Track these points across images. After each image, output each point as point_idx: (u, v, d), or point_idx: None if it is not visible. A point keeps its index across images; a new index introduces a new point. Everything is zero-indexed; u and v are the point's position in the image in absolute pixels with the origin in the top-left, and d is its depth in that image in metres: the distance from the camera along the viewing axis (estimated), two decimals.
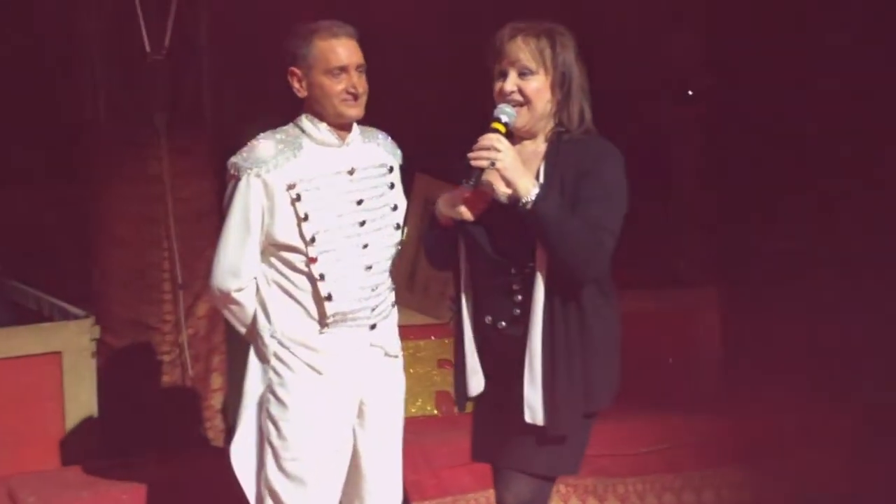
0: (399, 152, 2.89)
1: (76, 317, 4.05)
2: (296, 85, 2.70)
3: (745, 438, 4.32)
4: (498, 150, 2.46)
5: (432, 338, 4.34)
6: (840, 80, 5.52)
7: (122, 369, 4.12)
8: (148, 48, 3.98)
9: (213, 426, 4.35)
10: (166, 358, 4.17)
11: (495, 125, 2.52)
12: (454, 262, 2.69)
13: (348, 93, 2.67)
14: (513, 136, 2.60)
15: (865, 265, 5.38)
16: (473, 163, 2.48)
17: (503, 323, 2.61)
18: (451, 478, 3.87)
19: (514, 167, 2.47)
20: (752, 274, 5.71)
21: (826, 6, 5.14)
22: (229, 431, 4.38)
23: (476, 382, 2.71)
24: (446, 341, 4.15)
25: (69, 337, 3.90)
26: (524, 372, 2.56)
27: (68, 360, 3.87)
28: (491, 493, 3.93)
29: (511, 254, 2.58)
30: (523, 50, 2.56)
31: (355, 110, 2.70)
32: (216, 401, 4.36)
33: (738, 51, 5.78)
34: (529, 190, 2.46)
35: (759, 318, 5.37)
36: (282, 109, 4.71)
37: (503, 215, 2.58)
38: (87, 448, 3.89)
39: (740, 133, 6.00)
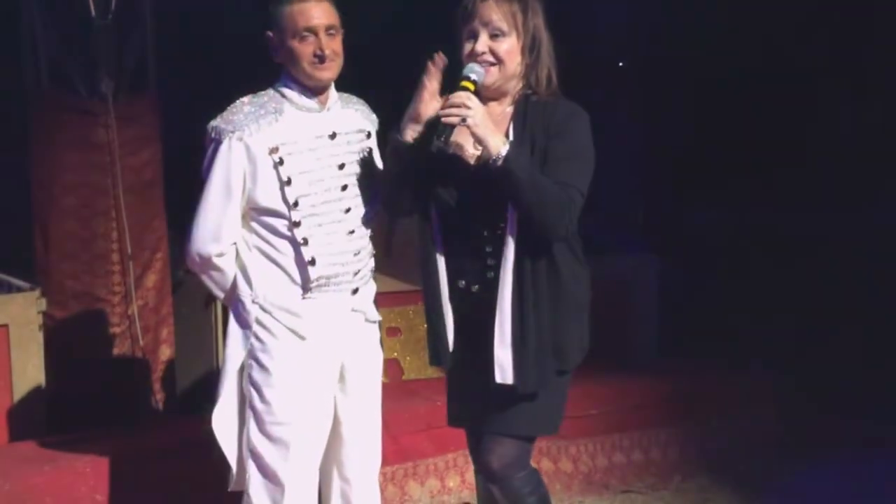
0: (375, 117, 2.89)
1: (20, 289, 3.94)
2: (272, 49, 2.68)
3: (685, 398, 4.48)
4: (469, 108, 2.50)
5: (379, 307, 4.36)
6: (769, 44, 5.73)
7: (70, 342, 4.03)
8: (93, 12, 3.87)
9: (163, 398, 4.30)
10: (116, 330, 4.10)
11: (464, 84, 2.55)
12: (411, 208, 2.70)
13: (315, 55, 2.64)
14: (480, 95, 2.63)
15: (793, 227, 5.64)
16: (444, 120, 2.50)
17: (476, 286, 2.65)
18: (411, 444, 3.91)
19: (484, 124, 2.51)
20: (686, 242, 5.91)
21: None
22: (180, 403, 4.36)
23: (447, 347, 2.74)
24: (396, 309, 4.20)
25: (15, 310, 3.78)
26: (493, 332, 2.60)
27: (15, 334, 3.75)
28: (450, 457, 4.06)
29: (482, 216, 2.61)
30: (496, 11, 2.60)
31: (326, 73, 2.68)
32: (164, 372, 4.31)
33: (667, 22, 5.94)
34: (500, 147, 2.50)
35: (694, 284, 5.57)
36: (226, 76, 4.71)
37: (473, 177, 2.61)
38: (36, 422, 3.80)
39: (669, 104, 6.18)
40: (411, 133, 2.60)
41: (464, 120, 2.49)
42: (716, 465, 4.34)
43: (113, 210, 4.04)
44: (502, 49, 2.61)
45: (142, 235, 4.13)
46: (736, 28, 5.75)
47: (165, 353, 4.31)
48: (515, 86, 2.68)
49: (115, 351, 4.12)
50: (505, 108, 2.68)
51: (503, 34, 2.61)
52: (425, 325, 4.26)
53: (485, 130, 2.51)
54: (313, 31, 2.64)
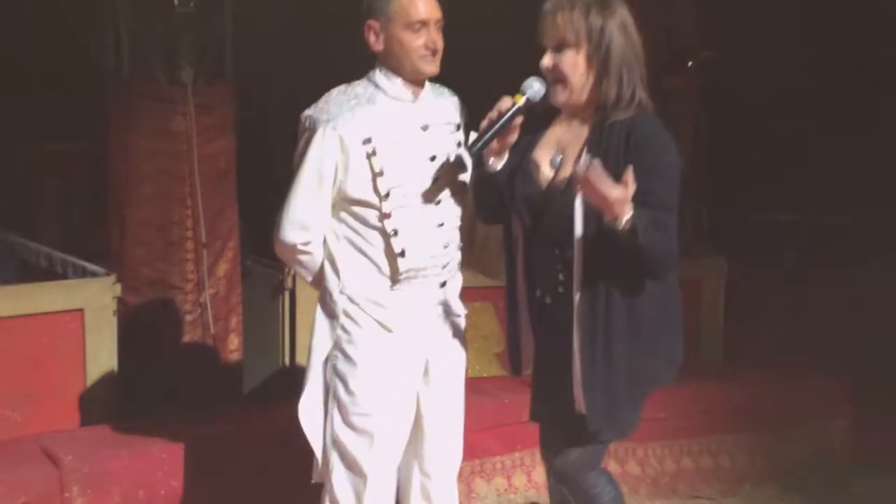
0: (464, 110, 2.86)
1: (96, 275, 3.97)
2: (372, 38, 2.65)
3: (756, 404, 4.40)
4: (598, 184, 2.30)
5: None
6: (835, 49, 5.62)
7: (144, 328, 4.05)
8: (176, 0, 3.88)
9: (231, 386, 4.31)
10: (189, 317, 4.11)
11: (515, 98, 2.48)
12: (503, 218, 2.66)
13: (427, 48, 2.62)
14: (555, 111, 2.57)
15: (861, 233, 5.52)
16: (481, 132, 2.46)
17: (548, 299, 2.60)
18: (478, 441, 3.88)
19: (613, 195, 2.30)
20: (750, 244, 5.82)
21: None
22: (247, 392, 4.38)
23: (529, 353, 2.70)
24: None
25: (91, 295, 3.81)
26: (572, 358, 2.53)
27: (90, 318, 3.78)
28: (517, 455, 4.03)
29: (553, 236, 2.54)
30: (560, 22, 2.46)
31: (433, 67, 2.66)
32: (234, 361, 4.32)
33: (736, 21, 5.85)
34: (624, 213, 2.31)
35: (761, 289, 5.48)
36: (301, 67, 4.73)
37: (545, 198, 2.55)
38: (108, 407, 3.83)
39: (738, 105, 6.08)
40: (498, 162, 2.56)
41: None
42: (787, 474, 4.27)
43: (188, 198, 4.03)
44: (564, 62, 2.48)
45: (215, 224, 4.13)
46: (801, 26, 5.65)
47: (234, 342, 4.31)
48: (589, 99, 2.53)
49: (187, 339, 4.12)
50: (584, 124, 2.56)
51: (565, 46, 2.48)
52: (492, 324, 4.30)
53: (614, 201, 2.30)
54: (426, 23, 2.61)
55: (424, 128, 2.71)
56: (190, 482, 3.33)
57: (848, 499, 4.06)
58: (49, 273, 4.28)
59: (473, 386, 4.13)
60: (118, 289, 3.86)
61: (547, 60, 2.50)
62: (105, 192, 4.14)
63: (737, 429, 4.33)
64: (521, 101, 2.47)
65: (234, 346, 4.31)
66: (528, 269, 2.63)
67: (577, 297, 2.49)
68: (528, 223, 2.57)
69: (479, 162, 2.59)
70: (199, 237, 4.06)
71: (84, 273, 4.01)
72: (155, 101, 3.97)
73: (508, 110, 2.48)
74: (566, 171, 2.54)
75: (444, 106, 2.80)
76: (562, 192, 2.51)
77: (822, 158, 5.63)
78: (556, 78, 2.50)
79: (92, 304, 3.77)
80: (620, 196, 2.28)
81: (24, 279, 4.29)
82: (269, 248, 4.52)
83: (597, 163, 2.33)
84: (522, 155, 2.59)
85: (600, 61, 2.47)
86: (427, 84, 2.76)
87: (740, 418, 4.34)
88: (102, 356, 3.80)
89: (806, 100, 5.74)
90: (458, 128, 2.82)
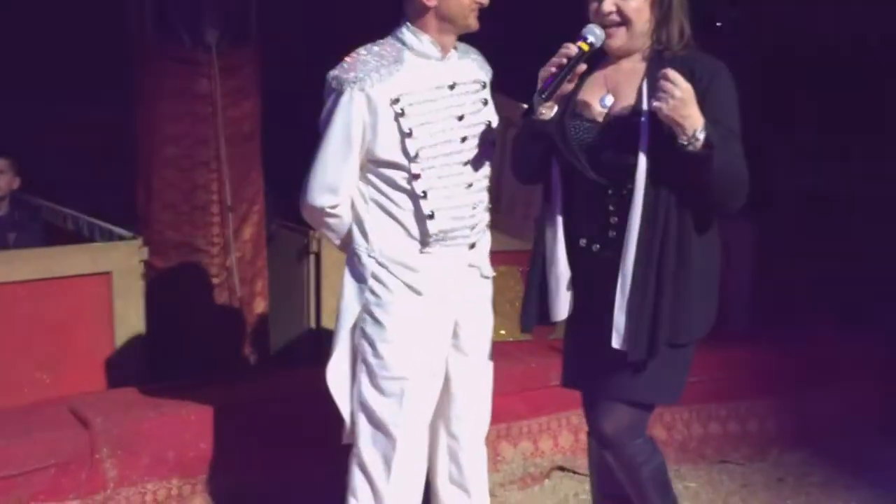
0: (490, 69, 2.82)
1: (122, 237, 3.97)
2: None
3: (784, 369, 4.36)
4: (677, 86, 2.32)
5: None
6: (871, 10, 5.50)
7: (170, 291, 4.04)
8: None
9: (257, 350, 4.32)
10: (215, 281, 4.10)
11: (580, 45, 2.45)
12: (543, 176, 2.63)
13: (476, 2, 2.60)
14: (599, 56, 2.54)
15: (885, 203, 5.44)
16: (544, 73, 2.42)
17: (597, 246, 2.58)
18: (504, 405, 3.87)
19: (691, 103, 2.34)
20: (779, 210, 5.75)
21: None
22: (273, 355, 4.38)
23: (562, 306, 2.67)
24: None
25: (118, 258, 3.80)
26: (615, 296, 2.53)
27: (118, 281, 3.78)
28: (544, 420, 4.01)
29: (609, 174, 2.53)
30: None
31: (477, 23, 2.64)
32: (260, 324, 4.32)
33: None
34: (697, 127, 2.34)
35: (789, 254, 5.41)
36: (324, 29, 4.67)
37: (600, 135, 2.53)
38: (136, 369, 3.84)
39: (768, 66, 5.98)
40: (549, 112, 2.52)
41: (669, 101, 2.33)
42: (815, 439, 4.24)
43: (214, 161, 4.01)
44: (630, 7, 2.50)
45: (240, 187, 4.11)
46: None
47: (260, 305, 4.31)
48: (644, 43, 2.57)
49: (213, 302, 4.12)
50: (636, 65, 2.58)
51: None
52: (518, 288, 4.25)
53: (691, 110, 2.34)
54: None
55: (452, 86, 2.67)
56: (219, 444, 3.34)
57: (879, 464, 4.02)
58: (76, 236, 4.31)
59: (499, 350, 4.10)
60: (145, 252, 3.87)
61: (609, 4, 2.50)
62: (131, 155, 4.12)
63: (764, 393, 4.29)
64: (586, 47, 2.45)
65: (260, 310, 4.30)
66: (569, 218, 2.60)
67: (633, 234, 2.47)
68: (579, 164, 2.52)
69: (528, 113, 2.55)
70: (224, 200, 4.05)
71: (111, 236, 4.03)
72: (179, 63, 3.93)
73: (575, 56, 2.44)
74: (617, 108, 2.53)
75: (469, 64, 2.76)
76: (623, 122, 2.47)
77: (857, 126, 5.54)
78: (616, 22, 2.51)
79: (119, 267, 3.78)
80: (693, 100, 2.32)
81: (51, 242, 4.30)
82: (294, 212, 4.56)
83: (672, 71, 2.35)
84: (568, 99, 2.56)
85: (663, 7, 2.52)
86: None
87: (768, 382, 4.31)
88: (130, 319, 3.81)
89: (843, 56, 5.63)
90: (485, 86, 2.78)
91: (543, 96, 2.45)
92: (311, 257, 4.29)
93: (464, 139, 2.67)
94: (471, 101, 2.70)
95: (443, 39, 2.66)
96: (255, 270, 4.26)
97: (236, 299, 4.14)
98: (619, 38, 2.53)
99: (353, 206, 2.69)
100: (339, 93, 2.59)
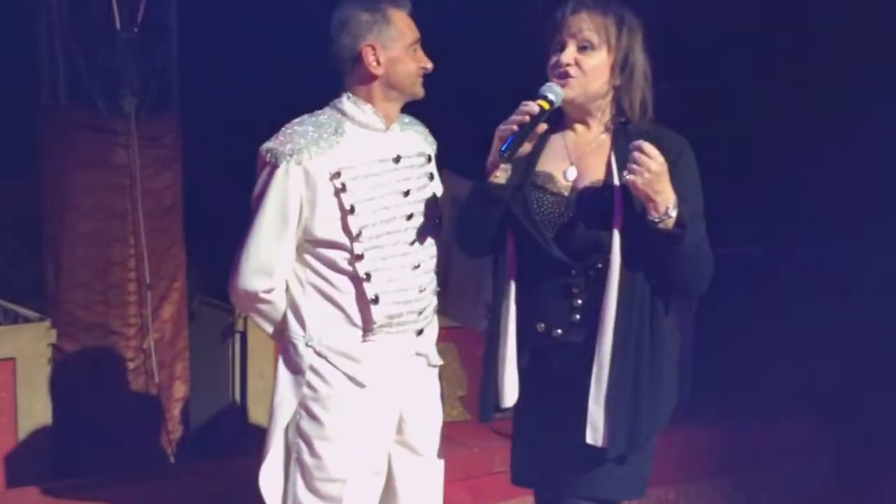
0: (434, 141, 2.66)
1: (29, 320, 3.68)
2: (371, 61, 2.42)
3: (732, 448, 4.23)
4: (651, 159, 2.19)
5: None
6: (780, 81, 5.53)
7: (80, 378, 3.78)
8: (118, 25, 3.62)
9: (176, 439, 4.03)
10: (131, 365, 3.85)
11: (540, 103, 2.31)
12: (493, 248, 2.46)
13: (421, 69, 2.46)
14: (562, 116, 2.41)
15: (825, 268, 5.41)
16: (502, 130, 2.27)
17: (559, 330, 2.39)
18: (448, 493, 3.63)
19: (665, 179, 2.21)
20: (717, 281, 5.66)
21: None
22: (193, 445, 4.09)
23: (511, 393, 2.47)
24: None
25: (23, 342, 3.56)
26: (589, 386, 2.35)
27: (22, 368, 3.55)
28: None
29: (576, 252, 2.36)
30: (586, 22, 2.36)
31: (423, 90, 2.49)
32: (178, 411, 4.05)
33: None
34: (670, 205, 2.21)
35: (729, 328, 5.32)
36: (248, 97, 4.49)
37: (568, 206, 2.37)
38: (41, 466, 3.57)
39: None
40: (504, 175, 2.36)
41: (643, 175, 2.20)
42: None
43: (131, 236, 3.80)
44: (589, 63, 2.36)
45: (160, 263, 3.91)
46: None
47: (180, 390, 4.06)
48: (604, 109, 2.43)
49: (129, 388, 3.86)
50: (598, 136, 2.44)
51: (592, 47, 2.36)
52: (455, 366, 4.06)
53: (665, 185, 2.22)
54: (418, 42, 2.46)
55: (396, 160, 2.49)
56: None
57: None
58: None
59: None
60: (53, 335, 3.63)
61: (569, 56, 2.36)
62: (39, 229, 3.85)
63: (714, 474, 4.14)
64: (546, 105, 2.31)
65: (179, 395, 4.06)
66: (526, 302, 2.42)
67: (609, 319, 2.31)
68: (540, 240, 2.36)
69: (483, 197, 2.38)
70: (142, 278, 3.83)
71: (16, 318, 3.76)
72: (94, 131, 3.74)
73: (536, 114, 2.29)
74: (585, 182, 2.38)
75: (414, 136, 2.59)
76: (592, 197, 2.33)
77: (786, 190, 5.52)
78: (570, 74, 2.38)
79: (25, 352, 3.54)
80: (667, 174, 2.20)
81: None
82: (218, 288, 4.33)
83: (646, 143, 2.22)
84: (525, 168, 2.40)
85: (625, 72, 2.39)
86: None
87: (717, 463, 4.16)
88: (36, 409, 3.56)
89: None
90: (430, 160, 2.61)
91: (506, 155, 2.28)
92: (237, 337, 4.06)
93: (410, 216, 2.48)
94: (416, 175, 2.53)
95: (387, 109, 2.49)
96: (174, 352, 4.01)
97: (154, 385, 3.88)
98: (573, 88, 2.38)
99: (287, 289, 2.47)
100: (275, 166, 2.38)
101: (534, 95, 2.33)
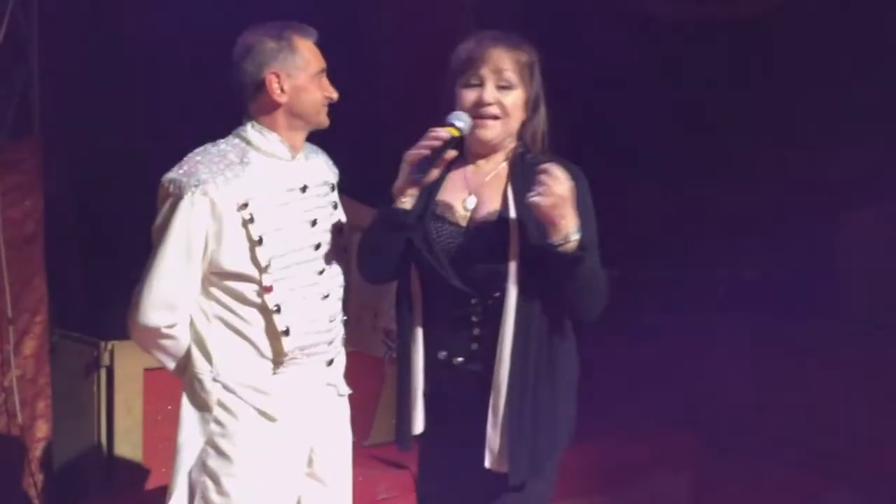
0: (337, 170, 2.64)
1: None
2: (275, 89, 2.38)
3: (600, 466, 4.34)
4: (560, 182, 2.24)
5: None
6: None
7: None
8: None
9: (38, 481, 3.80)
10: None
11: (450, 130, 2.33)
12: (395, 275, 2.45)
13: (327, 97, 2.43)
14: (463, 148, 2.44)
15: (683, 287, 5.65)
16: (414, 154, 2.30)
17: (460, 359, 2.41)
18: None
19: (572, 203, 2.26)
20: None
21: None
22: (58, 487, 3.87)
23: (419, 421, 2.48)
24: None
25: None
26: (487, 413, 2.37)
27: None
28: None
29: (474, 282, 2.38)
30: (507, 61, 2.38)
31: (328, 119, 2.45)
32: (41, 452, 3.82)
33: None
34: (571, 231, 2.26)
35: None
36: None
37: (466, 236, 2.40)
38: None
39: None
40: (409, 201, 2.36)
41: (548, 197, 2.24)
42: None
43: None
44: (509, 102, 2.40)
45: (21, 296, 3.69)
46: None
47: (42, 429, 3.82)
48: (510, 142, 2.47)
49: None
50: (497, 166, 2.47)
51: (511, 86, 2.40)
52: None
53: (569, 209, 2.25)
54: (324, 72, 2.42)
55: (304, 189, 2.46)
56: None
57: None
58: None
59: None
60: None
61: (490, 95, 2.37)
62: None
63: (585, 492, 4.23)
64: (456, 132, 2.32)
65: (42, 434, 3.82)
66: (429, 330, 2.42)
67: (507, 347, 2.32)
68: (441, 271, 2.36)
69: (386, 222, 2.37)
70: (3, 312, 3.59)
71: None
72: None
73: (446, 140, 2.30)
74: (483, 212, 2.41)
75: (318, 165, 2.56)
76: (489, 227, 2.35)
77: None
78: (493, 115, 2.39)
79: None
80: (573, 199, 2.24)
81: None
82: (78, 321, 4.12)
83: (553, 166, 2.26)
84: (426, 198, 2.40)
85: (533, 105, 2.44)
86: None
87: (588, 480, 4.25)
88: None
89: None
90: (333, 188, 2.59)
91: (418, 178, 2.30)
92: (102, 371, 3.85)
93: (317, 246, 2.45)
94: (322, 204, 2.50)
95: (292, 138, 2.45)
96: (37, 389, 3.80)
97: (16, 425, 3.64)
98: (494, 130, 2.41)
99: (192, 324, 2.39)
100: (178, 198, 2.30)
101: (442, 122, 2.35)
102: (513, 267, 2.34)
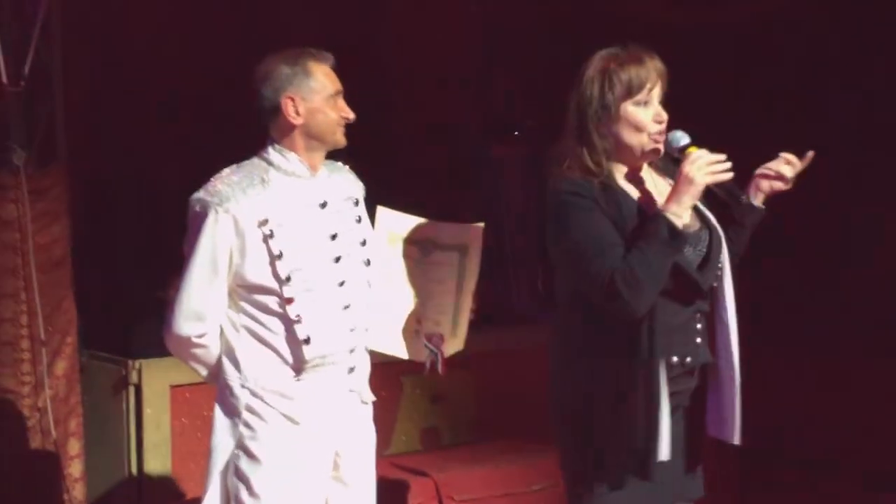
0: (361, 184, 2.77)
1: None
2: (291, 112, 2.52)
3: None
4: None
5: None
6: None
7: None
8: (5, 78, 3.57)
9: (73, 498, 3.92)
10: (26, 424, 3.72)
11: (691, 150, 2.39)
12: None
13: (343, 118, 2.55)
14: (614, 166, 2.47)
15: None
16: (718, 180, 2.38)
17: (689, 358, 2.42)
18: None
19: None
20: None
21: None
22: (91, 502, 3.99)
23: (665, 443, 2.35)
24: None
25: None
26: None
27: None
28: None
29: (708, 275, 2.45)
30: (663, 77, 2.44)
31: (345, 139, 2.59)
32: (75, 469, 3.94)
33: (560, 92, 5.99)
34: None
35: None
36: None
37: (705, 239, 2.47)
38: None
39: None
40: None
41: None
42: None
43: (23, 292, 3.70)
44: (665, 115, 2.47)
45: (52, 318, 3.81)
46: None
47: (75, 446, 3.94)
48: None
49: (24, 448, 3.73)
50: (649, 174, 2.53)
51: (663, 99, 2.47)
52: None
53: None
54: (340, 94, 2.55)
55: (323, 205, 2.59)
56: None
57: None
58: None
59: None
60: None
61: (664, 113, 2.44)
62: None
63: None
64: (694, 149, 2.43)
65: (74, 452, 3.94)
66: (653, 338, 2.35)
67: (734, 328, 2.46)
68: (688, 271, 2.41)
69: (669, 244, 2.34)
70: (36, 334, 3.72)
71: None
72: None
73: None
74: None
75: (340, 181, 2.69)
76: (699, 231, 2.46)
77: None
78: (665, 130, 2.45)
79: None
80: None
81: None
82: (107, 340, 4.25)
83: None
84: (625, 211, 2.41)
85: None
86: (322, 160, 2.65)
87: None
88: None
89: None
90: (357, 203, 2.71)
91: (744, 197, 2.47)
92: (131, 389, 3.98)
93: (338, 259, 2.58)
94: (343, 218, 2.64)
95: (311, 157, 2.59)
96: (69, 408, 3.91)
97: (50, 443, 3.77)
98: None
99: (222, 334, 2.54)
100: (204, 215, 2.46)
101: (678, 150, 2.41)
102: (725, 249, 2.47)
